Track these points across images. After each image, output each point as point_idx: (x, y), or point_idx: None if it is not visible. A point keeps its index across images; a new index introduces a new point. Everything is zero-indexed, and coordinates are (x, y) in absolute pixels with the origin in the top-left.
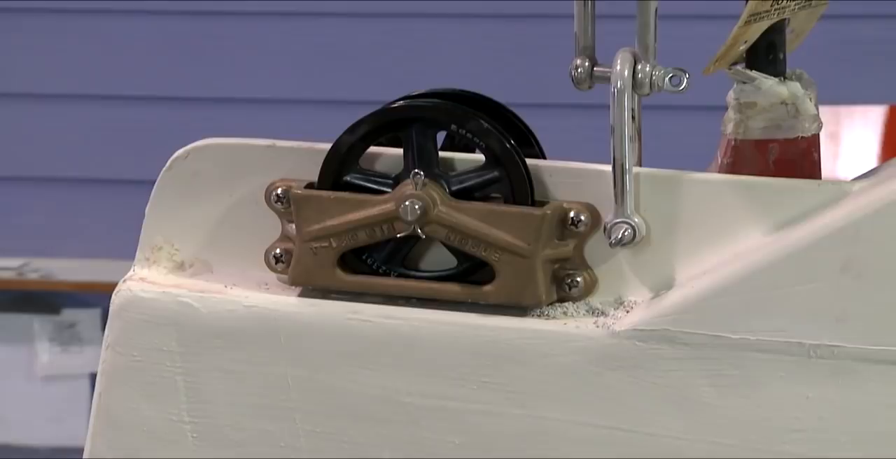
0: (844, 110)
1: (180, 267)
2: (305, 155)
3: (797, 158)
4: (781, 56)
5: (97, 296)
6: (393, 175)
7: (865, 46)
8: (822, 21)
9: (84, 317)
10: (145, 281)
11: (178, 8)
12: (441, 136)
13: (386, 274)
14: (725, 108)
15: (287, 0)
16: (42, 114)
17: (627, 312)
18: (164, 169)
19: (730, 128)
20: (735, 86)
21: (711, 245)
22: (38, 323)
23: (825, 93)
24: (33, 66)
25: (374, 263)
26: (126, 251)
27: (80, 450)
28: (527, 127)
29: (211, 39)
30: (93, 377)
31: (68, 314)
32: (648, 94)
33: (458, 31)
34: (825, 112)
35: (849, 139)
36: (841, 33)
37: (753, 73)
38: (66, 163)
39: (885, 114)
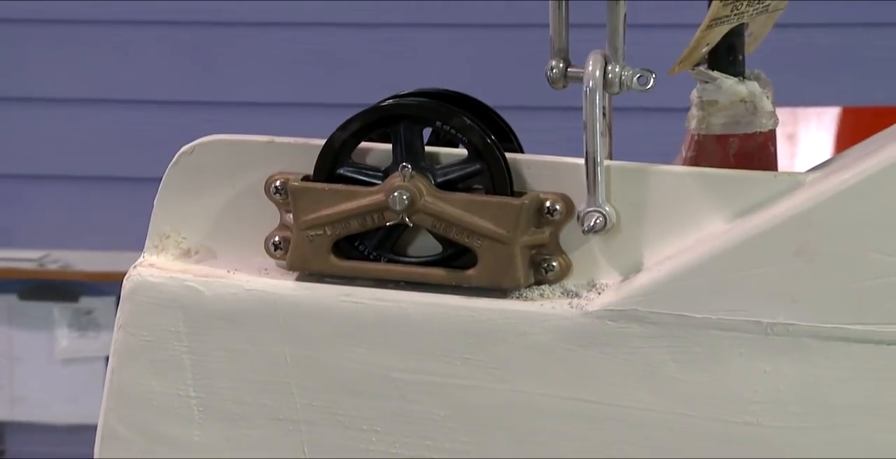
0: (801, 111)
1: (186, 253)
2: (301, 150)
3: (755, 152)
4: (741, 57)
5: (112, 285)
6: (382, 168)
7: (820, 52)
8: (781, 28)
9: (100, 305)
10: (154, 267)
11: (185, 18)
12: (427, 132)
13: (376, 259)
14: (689, 107)
15: (286, 10)
16: (59, 117)
17: (599, 294)
18: (171, 163)
19: (693, 124)
20: (698, 85)
21: (676, 232)
22: (57, 310)
23: (785, 96)
24: (50, 72)
25: (366, 249)
26: (138, 243)
27: (96, 427)
28: (506, 123)
29: (214, 47)
30: (108, 360)
31: (85, 301)
32: (618, 93)
33: (446, 38)
34: (784, 113)
35: (805, 138)
36: (798, 40)
37: (715, 74)
38: (82, 163)
39: (839, 115)
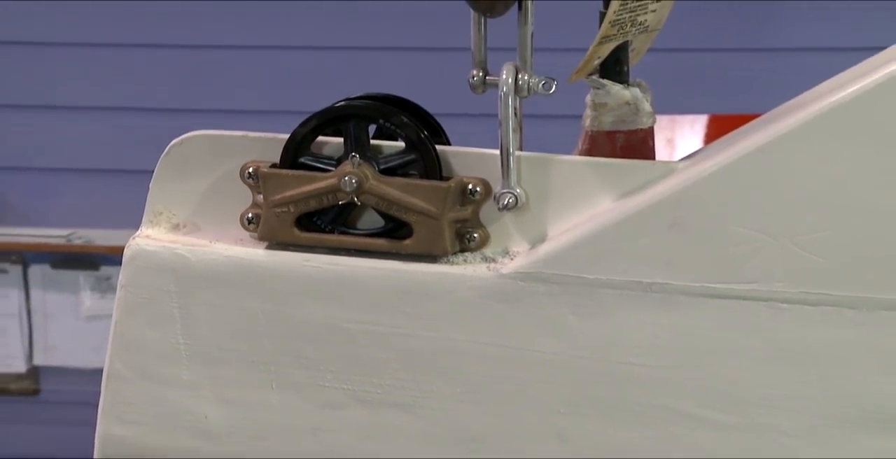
0: (679, 118)
1: (176, 227)
2: (270, 143)
3: (637, 144)
4: (626, 68)
5: None
6: (336, 157)
7: (694, 71)
8: (663, 52)
9: (117, 272)
10: (150, 238)
11: (185, 43)
12: (372, 129)
13: (331, 232)
14: (584, 109)
15: (263, 35)
16: (82, 121)
17: (512, 259)
18: (163, 154)
19: (587, 122)
20: (591, 91)
21: (574, 209)
22: (82, 277)
23: (665, 106)
24: (76, 85)
25: (322, 223)
26: None
27: None
28: (437, 122)
29: (208, 66)
30: None
31: (105, 270)
32: (527, 96)
33: (393, 58)
34: (664, 120)
35: (682, 139)
36: (676, 61)
37: (605, 81)
38: (101, 158)
39: (708, 121)
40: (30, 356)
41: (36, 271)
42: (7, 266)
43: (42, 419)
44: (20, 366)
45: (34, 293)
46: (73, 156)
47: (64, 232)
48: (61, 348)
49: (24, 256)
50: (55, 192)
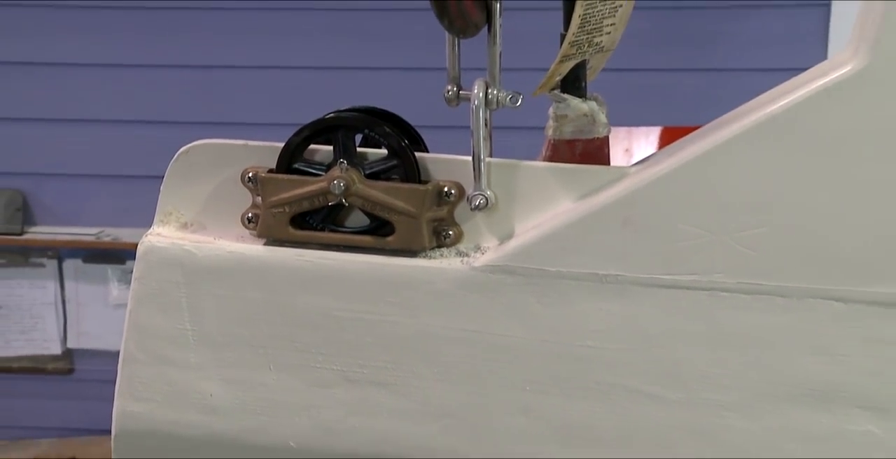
0: (634, 130)
1: (184, 226)
2: (267, 151)
3: (594, 152)
4: (584, 84)
5: None
6: (326, 163)
7: (649, 88)
8: (622, 71)
9: None
10: (161, 236)
11: (196, 64)
12: (359, 138)
13: (322, 229)
14: (548, 119)
15: (267, 57)
16: (109, 133)
17: (483, 254)
18: (172, 160)
19: (550, 131)
20: (553, 104)
21: (538, 209)
22: (110, 270)
23: (623, 119)
24: (103, 102)
25: (314, 222)
26: None
27: None
28: (416, 132)
29: (217, 84)
30: None
31: (131, 264)
32: (496, 109)
33: (379, 76)
34: (621, 131)
35: (637, 149)
36: (633, 80)
37: (565, 95)
38: (126, 165)
39: (660, 133)
40: (64, 339)
41: (70, 265)
42: (44, 260)
43: (75, 395)
44: (56, 349)
45: (68, 284)
46: (101, 163)
47: (94, 230)
48: (92, 333)
49: (60, 252)
50: (86, 195)
